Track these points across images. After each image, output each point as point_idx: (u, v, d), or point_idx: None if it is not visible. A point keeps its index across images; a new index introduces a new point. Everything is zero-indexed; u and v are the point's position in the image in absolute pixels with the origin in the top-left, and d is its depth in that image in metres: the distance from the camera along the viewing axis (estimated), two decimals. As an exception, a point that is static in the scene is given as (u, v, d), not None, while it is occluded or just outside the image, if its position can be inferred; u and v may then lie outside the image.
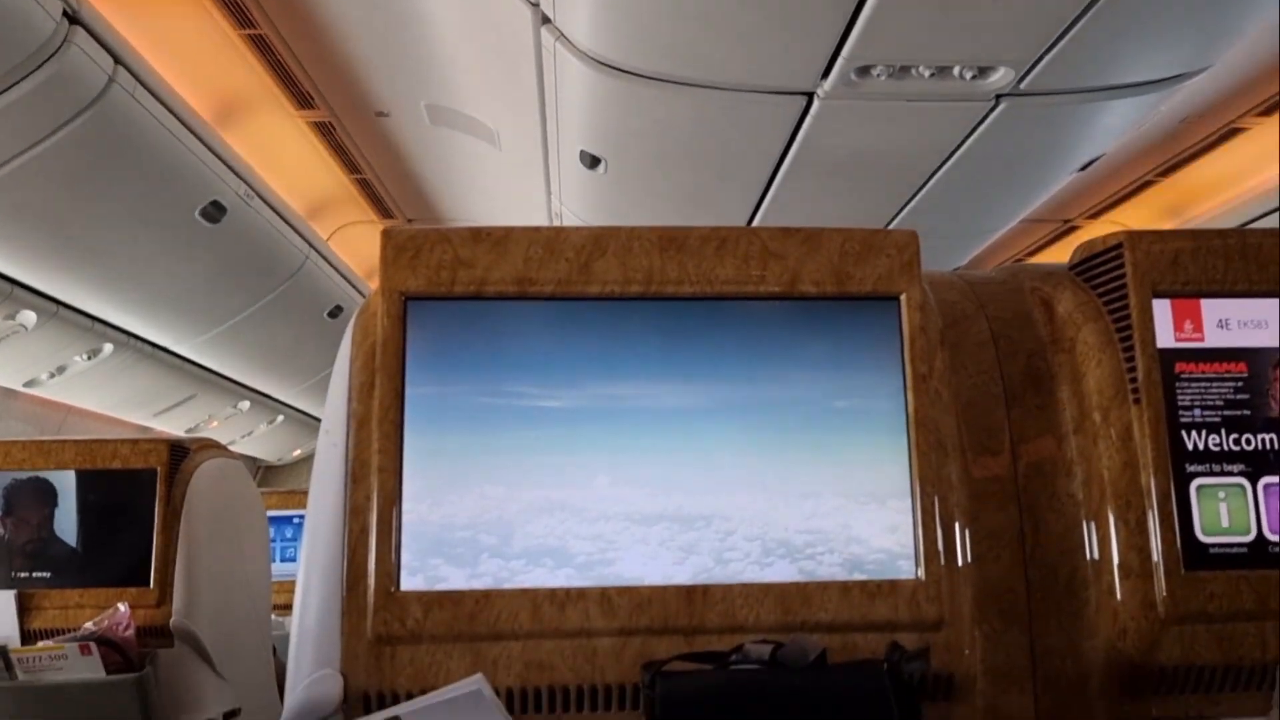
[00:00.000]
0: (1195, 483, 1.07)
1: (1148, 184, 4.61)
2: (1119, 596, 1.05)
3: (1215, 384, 1.10)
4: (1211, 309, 1.12)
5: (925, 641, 1.02)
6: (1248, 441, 1.09)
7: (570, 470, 1.01)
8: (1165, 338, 1.10)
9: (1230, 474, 1.08)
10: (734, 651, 0.95)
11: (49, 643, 2.28)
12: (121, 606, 2.32)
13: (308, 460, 7.75)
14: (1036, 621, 1.07)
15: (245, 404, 5.98)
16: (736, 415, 1.04)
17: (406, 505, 1.00)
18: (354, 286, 5.25)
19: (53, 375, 4.40)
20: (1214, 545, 1.06)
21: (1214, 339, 1.11)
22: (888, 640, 0.96)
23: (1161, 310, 1.11)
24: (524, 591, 0.99)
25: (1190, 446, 1.08)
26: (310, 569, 1.00)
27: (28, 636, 2.36)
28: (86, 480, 2.34)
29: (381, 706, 0.92)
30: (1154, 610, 1.04)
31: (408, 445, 1.01)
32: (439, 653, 0.98)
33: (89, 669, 2.24)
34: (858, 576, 1.02)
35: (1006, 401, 1.13)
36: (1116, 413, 1.09)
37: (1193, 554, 1.05)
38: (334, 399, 1.06)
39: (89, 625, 2.32)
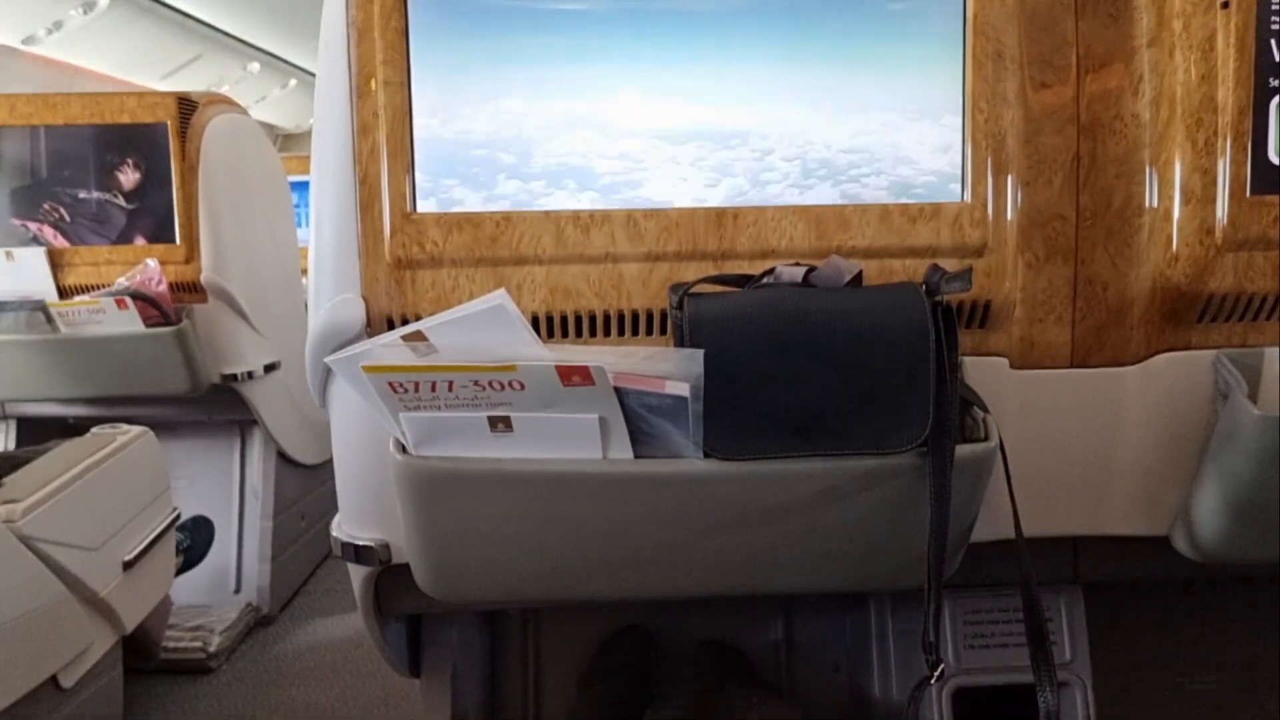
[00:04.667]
0: (1277, 99, 0.98)
1: None
2: (1175, 222, 0.99)
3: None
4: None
5: (967, 266, 0.98)
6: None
7: (594, 82, 0.92)
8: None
9: (1317, 88, 0.98)
10: (765, 274, 0.91)
11: (85, 297, 2.31)
12: (151, 262, 2.33)
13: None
14: (1082, 249, 1.02)
15: (255, 65, 5.75)
16: (777, 18, 0.93)
17: (417, 121, 0.93)
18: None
19: (50, 31, 4.19)
20: (1285, 167, 0.98)
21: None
22: (927, 267, 0.92)
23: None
24: (546, 215, 0.94)
25: (1277, 58, 0.97)
26: (321, 193, 0.95)
27: (62, 293, 2.40)
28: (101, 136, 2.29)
29: (405, 329, 0.90)
30: (1211, 235, 0.98)
31: (415, 56, 0.92)
32: (461, 277, 0.95)
33: (127, 323, 2.28)
34: (905, 201, 0.96)
35: (1076, 10, 1.01)
36: (1200, 20, 0.97)
37: (1261, 177, 0.98)
38: (330, 7, 0.96)
39: (122, 281, 2.34)
